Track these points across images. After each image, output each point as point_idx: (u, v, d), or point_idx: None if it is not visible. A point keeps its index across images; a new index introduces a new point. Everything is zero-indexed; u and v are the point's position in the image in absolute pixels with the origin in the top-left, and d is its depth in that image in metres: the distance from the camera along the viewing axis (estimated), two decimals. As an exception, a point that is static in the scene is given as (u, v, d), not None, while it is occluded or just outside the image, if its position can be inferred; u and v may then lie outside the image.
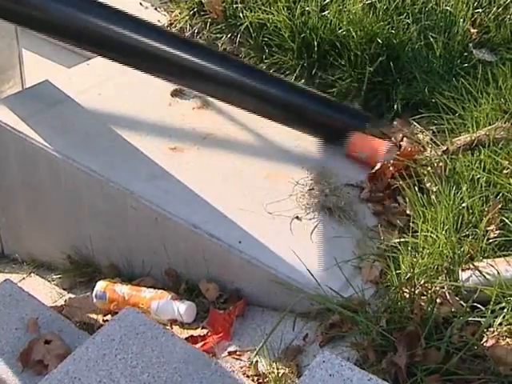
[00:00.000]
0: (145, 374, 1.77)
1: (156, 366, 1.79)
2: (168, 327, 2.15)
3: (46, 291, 2.68)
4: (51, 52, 4.21)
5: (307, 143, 2.67)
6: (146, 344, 1.84)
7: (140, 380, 1.76)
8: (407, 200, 2.23)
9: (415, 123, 2.59)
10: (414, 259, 1.95)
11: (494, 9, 2.92)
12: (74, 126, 2.72)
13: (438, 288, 1.84)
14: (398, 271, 1.94)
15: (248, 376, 1.85)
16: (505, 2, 2.92)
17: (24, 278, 2.88)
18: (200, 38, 3.33)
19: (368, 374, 1.54)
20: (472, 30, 2.89)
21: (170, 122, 2.74)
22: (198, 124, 2.75)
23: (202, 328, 2.13)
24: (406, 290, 1.83)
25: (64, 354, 2.01)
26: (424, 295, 1.83)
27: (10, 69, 3.41)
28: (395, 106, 2.69)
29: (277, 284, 2.06)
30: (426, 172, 2.33)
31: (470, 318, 1.72)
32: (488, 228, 1.97)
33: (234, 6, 3.19)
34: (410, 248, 2.02)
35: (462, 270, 1.86)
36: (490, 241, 1.94)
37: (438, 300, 1.80)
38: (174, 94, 2.92)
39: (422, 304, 1.78)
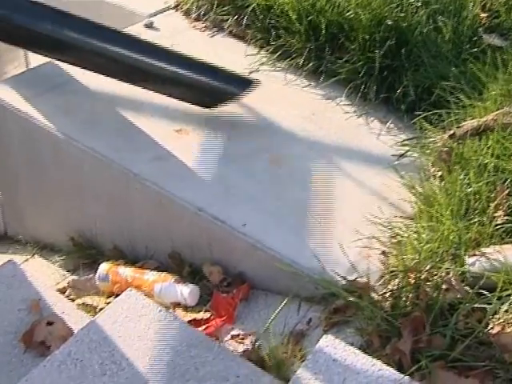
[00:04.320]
0: (147, 357, 1.76)
1: (158, 348, 1.78)
2: (171, 310, 2.13)
3: (49, 273, 2.67)
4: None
5: (314, 127, 2.65)
6: (149, 326, 1.83)
7: (142, 363, 1.75)
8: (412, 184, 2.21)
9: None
10: (420, 244, 1.93)
11: (504, -7, 2.89)
12: (77, 106, 2.69)
13: (443, 274, 1.82)
14: (403, 256, 1.92)
15: (251, 360, 1.83)
16: (515, -13, 2.89)
17: (27, 260, 2.86)
18: (206, 19, 3.31)
19: (372, 359, 1.53)
20: (482, 15, 2.86)
21: (174, 104, 2.71)
22: (204, 106, 2.73)
23: (205, 311, 2.11)
24: (412, 276, 1.81)
25: (66, 336, 2.00)
26: (429, 281, 1.81)
27: (14, 49, 3.38)
28: (410, 92, 2.66)
29: (281, 268, 2.05)
30: (431, 157, 2.32)
31: (476, 305, 1.70)
32: (495, 214, 1.95)
33: (241, -13, 3.16)
34: (415, 233, 2.01)
35: (469, 255, 1.83)
36: (497, 227, 1.92)
37: (444, 286, 1.78)
38: (180, 75, 2.89)
39: (428, 290, 1.76)
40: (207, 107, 2.66)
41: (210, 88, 2.68)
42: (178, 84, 2.66)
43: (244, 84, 2.68)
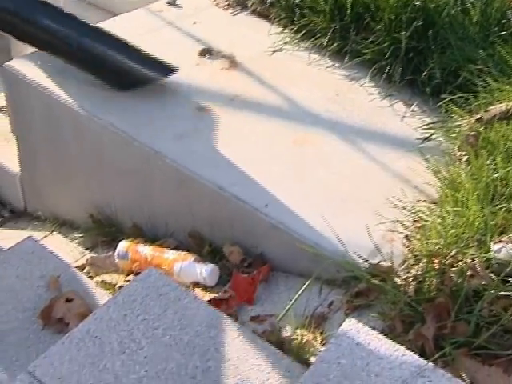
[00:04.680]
0: (166, 336, 1.75)
1: (178, 328, 1.77)
2: (190, 290, 2.12)
3: (67, 249, 2.66)
4: (77, 9, 4.13)
5: (338, 108, 2.61)
6: (168, 306, 1.82)
7: (161, 342, 1.74)
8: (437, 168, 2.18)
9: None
10: (444, 229, 1.90)
11: (535, -26, 2.82)
12: (99, 83, 2.67)
13: (468, 260, 1.79)
14: (427, 241, 1.89)
15: (271, 342, 1.82)
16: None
17: (46, 236, 2.86)
18: (231, -3, 3.27)
19: (395, 344, 1.50)
20: (511, -3, 2.81)
21: (197, 82, 2.69)
22: (226, 85, 2.69)
23: (225, 291, 2.09)
24: (436, 261, 1.78)
25: (85, 313, 1.99)
26: (454, 267, 1.78)
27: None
28: (436, 74, 2.61)
29: (302, 250, 2.03)
30: (457, 141, 2.28)
31: (501, 292, 1.67)
32: (522, 200, 1.92)
33: (266, -35, 3.12)
34: (439, 218, 1.97)
35: (494, 242, 1.80)
36: (525, 213, 1.89)
37: (469, 272, 1.75)
38: (202, 53, 2.86)
39: (452, 276, 1.73)
40: (124, 88, 2.63)
41: (129, 69, 2.65)
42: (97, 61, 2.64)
43: (164, 70, 2.65)
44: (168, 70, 2.63)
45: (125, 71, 2.64)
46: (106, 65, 2.64)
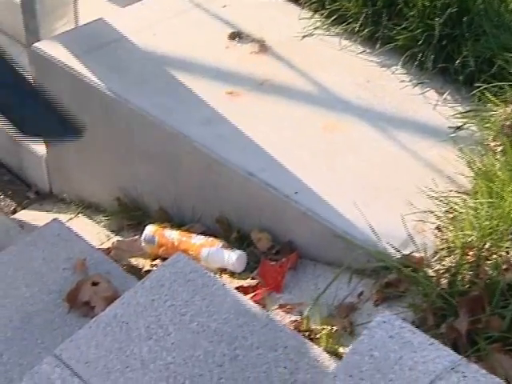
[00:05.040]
0: (194, 323, 1.73)
1: (206, 315, 1.75)
2: (217, 276, 2.10)
3: (93, 232, 2.65)
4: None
5: (369, 95, 2.57)
6: (197, 292, 1.80)
7: (189, 328, 1.72)
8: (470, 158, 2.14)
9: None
10: (478, 221, 1.86)
11: None
12: (127, 65, 2.65)
13: (503, 253, 1.75)
14: (460, 232, 1.85)
15: (299, 331, 1.80)
16: None
17: (71, 219, 2.85)
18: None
19: (429, 337, 1.47)
20: (549, -16, 2.74)
21: (226, 66, 2.66)
22: (256, 69, 2.65)
23: (253, 278, 2.07)
24: (471, 253, 1.75)
25: (111, 297, 1.98)
26: (488, 260, 1.75)
27: (64, 6, 3.34)
28: (470, 62, 2.56)
29: (332, 238, 2.00)
30: (491, 131, 2.24)
31: (538, 286, 1.64)
32: (560, 192, 1.88)
33: None
34: (473, 209, 1.94)
35: (531, 235, 1.77)
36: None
37: (504, 266, 1.71)
38: (231, 37, 2.82)
39: (487, 269, 1.70)
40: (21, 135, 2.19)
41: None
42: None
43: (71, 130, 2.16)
44: (75, 130, 2.15)
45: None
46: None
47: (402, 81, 2.68)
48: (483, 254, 1.74)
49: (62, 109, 2.16)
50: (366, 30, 2.82)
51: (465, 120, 2.42)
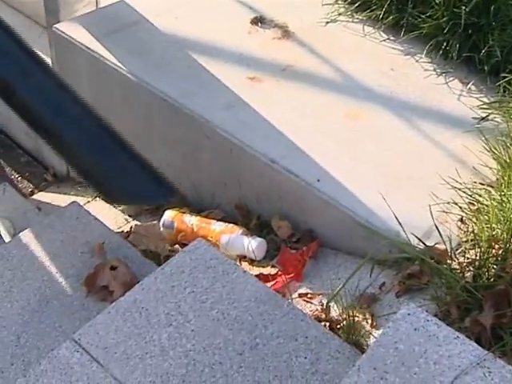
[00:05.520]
0: (214, 310, 1.71)
1: (226, 302, 1.73)
2: (237, 262, 2.08)
3: (111, 216, 2.64)
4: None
5: (392, 83, 2.53)
6: (217, 279, 1.78)
7: (209, 316, 1.70)
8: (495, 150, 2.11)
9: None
10: (504, 214, 1.83)
11: None
12: (149, 48, 2.62)
13: (529, 247, 1.73)
14: (485, 225, 1.83)
15: (320, 320, 1.78)
16: None
17: (89, 202, 2.84)
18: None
19: (454, 331, 1.45)
20: None
21: (248, 51, 2.63)
22: (278, 54, 2.62)
23: (272, 266, 2.06)
24: (496, 246, 1.72)
25: (130, 282, 1.97)
26: (514, 253, 1.72)
27: (84, -13, 3.32)
28: (496, 52, 2.51)
29: (353, 227, 1.98)
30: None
31: None
32: None
33: None
34: (498, 202, 1.91)
35: (558, 229, 1.74)
36: None
37: (530, 260, 1.69)
38: (254, 21, 2.79)
39: (513, 263, 1.67)
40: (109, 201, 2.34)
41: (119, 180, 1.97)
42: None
43: (165, 193, 2.09)
44: (171, 191, 2.08)
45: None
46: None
47: (426, 70, 2.65)
48: (509, 247, 1.71)
49: (157, 171, 2.05)
50: (391, 18, 2.78)
51: (489, 111, 2.39)
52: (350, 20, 2.87)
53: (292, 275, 2.00)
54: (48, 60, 2.88)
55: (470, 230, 1.89)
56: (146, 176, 2.03)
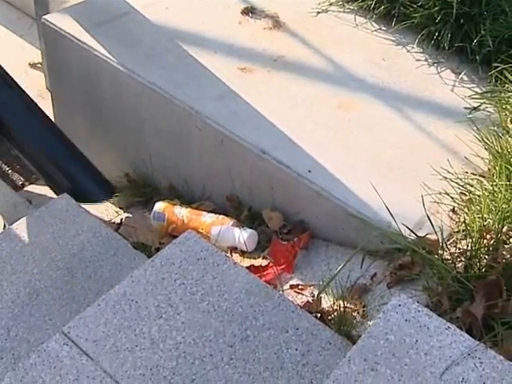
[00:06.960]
0: (204, 302, 1.70)
1: (216, 294, 1.72)
2: (228, 254, 2.07)
3: (102, 209, 2.62)
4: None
5: (384, 74, 2.52)
6: (207, 271, 1.77)
7: (199, 308, 1.69)
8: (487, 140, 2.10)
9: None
10: (495, 204, 1.82)
11: None
12: (139, 39, 2.61)
13: (521, 237, 1.72)
14: (477, 215, 1.82)
15: (311, 312, 1.77)
16: None
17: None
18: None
19: (445, 322, 1.44)
20: None
21: (239, 41, 2.61)
22: (269, 45, 2.61)
23: (263, 258, 2.05)
24: (488, 237, 1.71)
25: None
26: (506, 244, 1.71)
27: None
28: (488, 42, 2.50)
29: (345, 218, 1.97)
30: (508, 112, 2.19)
31: (556, 271, 1.61)
32: None
33: None
34: (490, 192, 1.90)
35: (549, 219, 1.73)
36: None
37: (522, 250, 1.68)
38: (245, 12, 2.78)
39: (505, 253, 1.66)
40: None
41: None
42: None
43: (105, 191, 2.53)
44: (109, 190, 2.52)
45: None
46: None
47: (418, 60, 2.64)
48: (501, 237, 1.70)
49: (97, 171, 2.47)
50: (382, 8, 2.77)
51: (481, 101, 2.38)
52: (342, 10, 2.86)
53: (283, 266, 1.99)
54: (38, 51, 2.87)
55: (462, 220, 1.88)
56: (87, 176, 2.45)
